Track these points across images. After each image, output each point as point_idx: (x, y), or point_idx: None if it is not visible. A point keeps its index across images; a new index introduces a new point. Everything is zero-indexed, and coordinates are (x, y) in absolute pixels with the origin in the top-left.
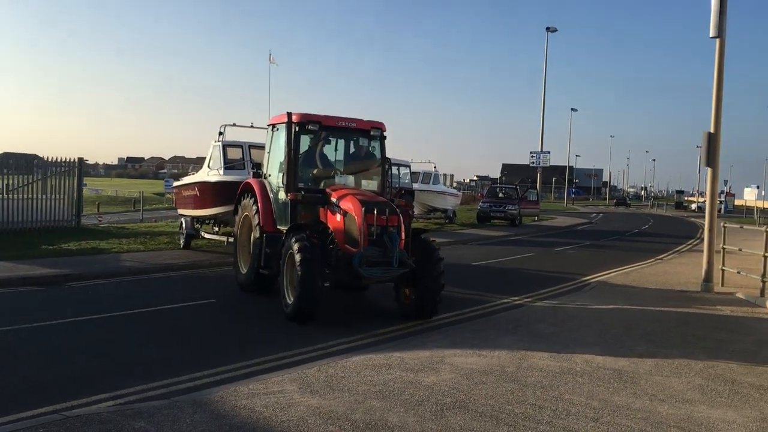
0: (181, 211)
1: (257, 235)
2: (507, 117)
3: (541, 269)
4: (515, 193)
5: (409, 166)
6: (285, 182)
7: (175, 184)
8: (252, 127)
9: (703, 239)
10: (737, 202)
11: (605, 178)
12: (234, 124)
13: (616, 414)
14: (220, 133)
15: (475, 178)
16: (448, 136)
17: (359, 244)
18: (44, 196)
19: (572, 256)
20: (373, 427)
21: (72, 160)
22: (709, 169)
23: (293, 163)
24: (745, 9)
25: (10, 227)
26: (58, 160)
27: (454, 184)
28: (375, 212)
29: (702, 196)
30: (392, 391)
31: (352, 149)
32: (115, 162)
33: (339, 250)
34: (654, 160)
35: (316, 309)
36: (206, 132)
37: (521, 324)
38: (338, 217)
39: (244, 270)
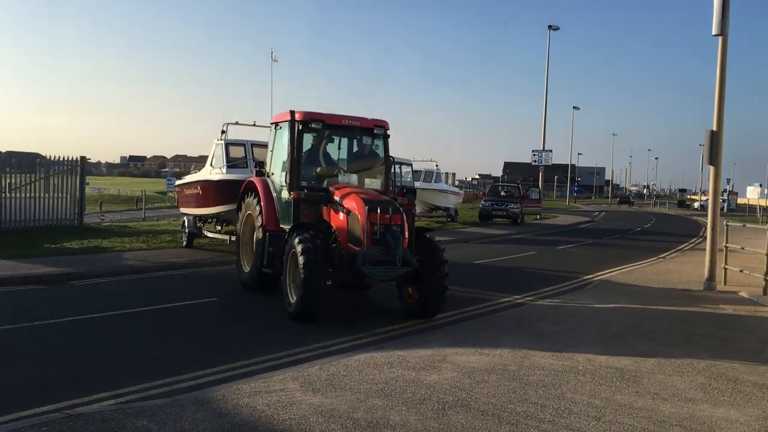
0: (183, 210)
1: (260, 233)
2: (509, 115)
3: (543, 268)
4: (517, 191)
5: (411, 165)
6: (288, 181)
7: (178, 182)
8: (255, 125)
9: (705, 238)
10: (740, 200)
11: (607, 177)
12: (237, 123)
13: (619, 413)
14: (223, 132)
15: (477, 176)
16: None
17: (362, 242)
18: (47, 195)
19: (574, 254)
20: (375, 425)
21: (74, 159)
22: (712, 167)
23: (296, 161)
24: (748, 7)
25: (13, 226)
26: (61, 158)
27: (456, 183)
28: (378, 211)
29: (705, 195)
30: (394, 390)
31: (355, 148)
32: (118, 161)
33: (342, 249)
34: (656, 158)
35: (319, 309)
36: (209, 130)
37: (523, 323)
38: (341, 215)
39: (246, 269)
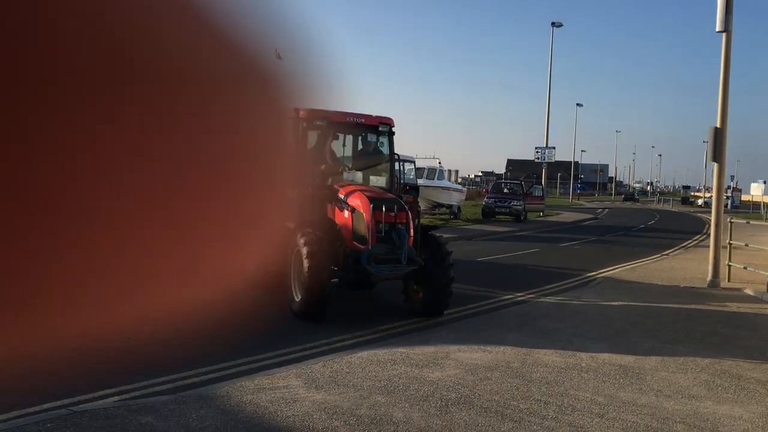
0: None
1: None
2: (512, 113)
3: (546, 265)
4: (520, 188)
5: (414, 162)
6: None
7: None
8: None
9: (709, 235)
10: (744, 197)
11: (611, 174)
12: None
13: (622, 410)
14: None
15: (480, 173)
16: (452, 131)
17: (367, 241)
18: None
19: (577, 251)
20: (378, 422)
21: None
22: (716, 164)
23: (301, 158)
24: (751, 4)
25: None
26: None
27: (459, 180)
28: (383, 209)
29: (708, 192)
30: (397, 387)
31: (360, 145)
32: None
33: (347, 248)
34: (660, 155)
35: (325, 308)
36: None
37: (526, 320)
38: (346, 213)
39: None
